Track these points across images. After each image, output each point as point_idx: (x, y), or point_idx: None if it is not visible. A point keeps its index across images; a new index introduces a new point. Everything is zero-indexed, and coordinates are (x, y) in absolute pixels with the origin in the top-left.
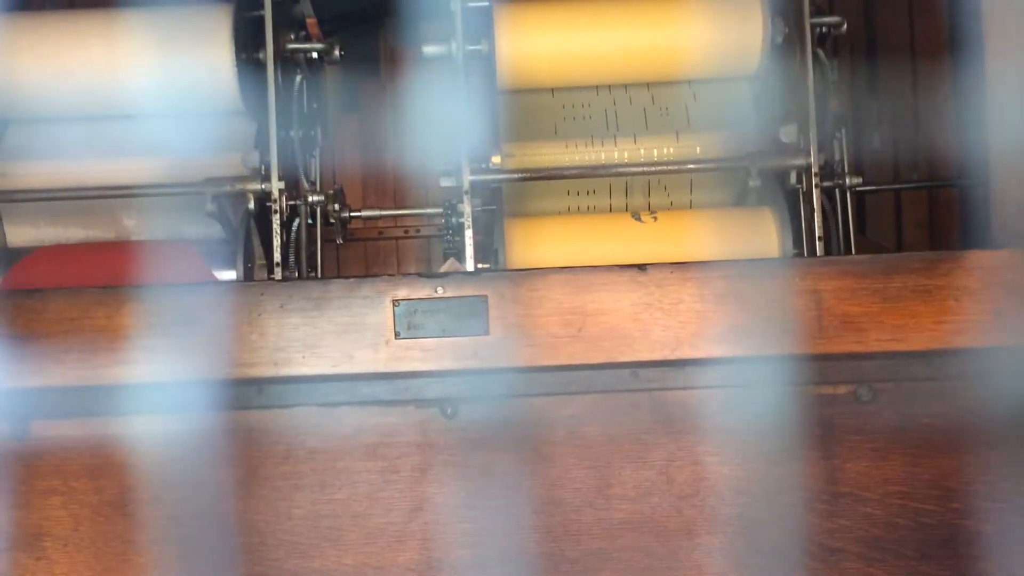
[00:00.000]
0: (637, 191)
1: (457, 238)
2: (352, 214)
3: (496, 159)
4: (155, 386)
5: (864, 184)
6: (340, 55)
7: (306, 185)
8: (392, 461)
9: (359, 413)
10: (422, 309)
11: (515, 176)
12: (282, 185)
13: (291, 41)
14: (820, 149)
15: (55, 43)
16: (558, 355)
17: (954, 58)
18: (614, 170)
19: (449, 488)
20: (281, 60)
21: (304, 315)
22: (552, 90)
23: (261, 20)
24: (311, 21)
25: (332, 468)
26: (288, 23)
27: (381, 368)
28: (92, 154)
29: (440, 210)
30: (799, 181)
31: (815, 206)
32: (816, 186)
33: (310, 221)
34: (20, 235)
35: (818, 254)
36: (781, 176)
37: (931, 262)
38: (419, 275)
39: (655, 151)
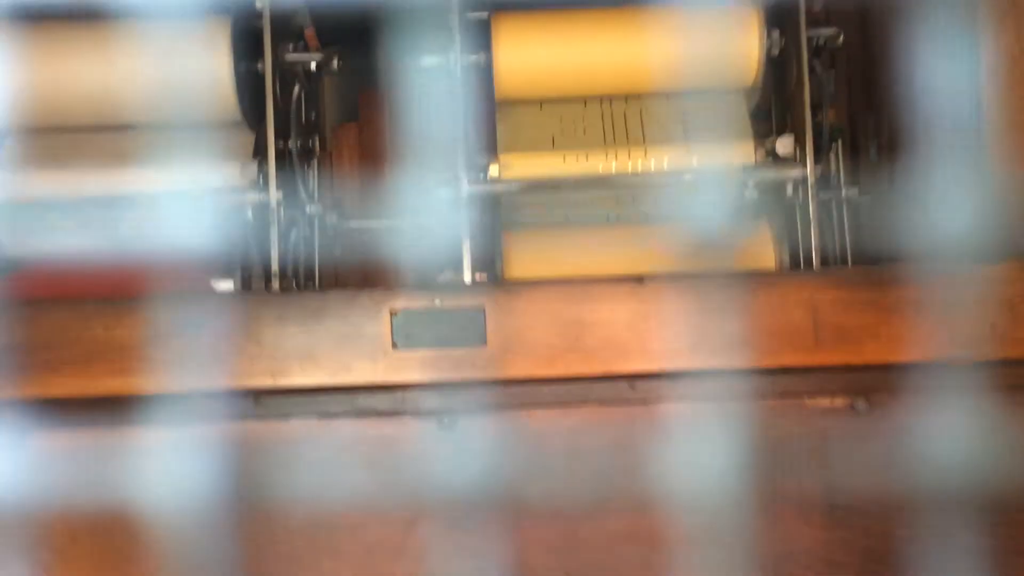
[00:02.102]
0: (632, 202)
1: (454, 249)
2: (350, 224)
3: (494, 170)
4: (153, 397)
5: (861, 196)
6: (339, 66)
7: (304, 196)
8: (389, 472)
9: (357, 424)
10: (420, 320)
11: (513, 187)
12: (280, 196)
13: (289, 52)
14: (816, 161)
15: (53, 53)
16: (555, 366)
17: (951, 69)
18: (611, 181)
19: (447, 500)
20: (279, 71)
21: (302, 326)
22: (550, 101)
23: (259, 31)
24: (309, 32)
25: (329, 479)
26: (286, 34)
27: (379, 379)
28: (90, 164)
29: (438, 221)
30: (795, 193)
31: (811, 218)
32: (812, 198)
33: (308, 232)
34: (19, 244)
35: (814, 266)
36: (777, 188)
37: (928, 274)
38: (417, 286)
39: (652, 162)
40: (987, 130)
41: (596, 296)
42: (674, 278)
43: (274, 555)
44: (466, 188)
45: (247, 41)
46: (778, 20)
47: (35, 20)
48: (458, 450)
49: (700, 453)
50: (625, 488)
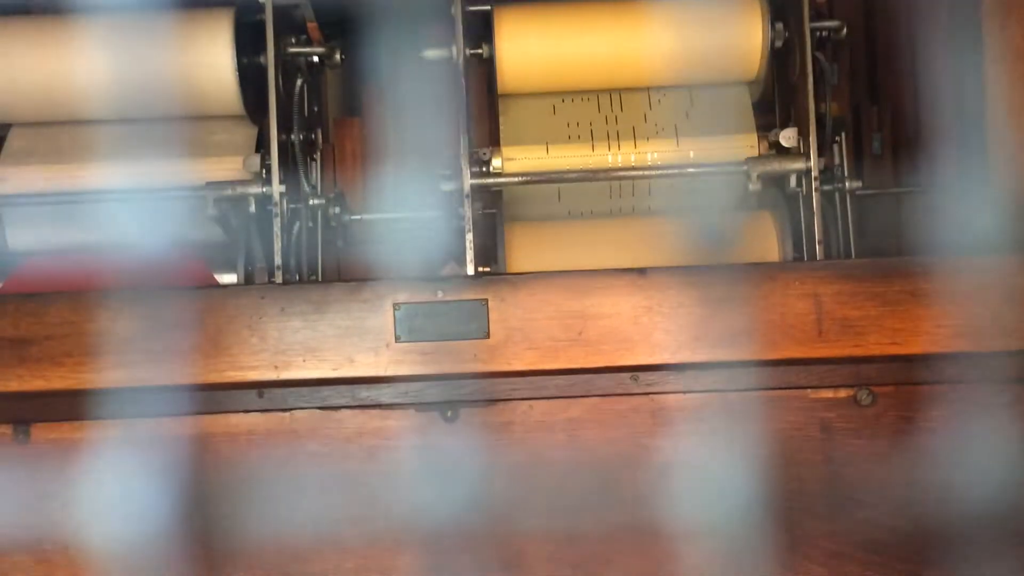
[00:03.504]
0: (635, 194)
1: (457, 242)
2: (352, 217)
3: (497, 163)
4: (156, 389)
5: (864, 188)
6: (341, 59)
7: (307, 189)
8: (392, 464)
9: (360, 416)
10: (422, 313)
11: (515, 180)
12: (283, 189)
13: (292, 45)
14: (820, 153)
15: (56, 46)
16: (558, 359)
17: (954, 61)
18: (614, 174)
19: (449, 492)
20: (282, 64)
21: (305, 318)
22: (553, 94)
23: (262, 24)
24: (312, 25)
25: (333, 471)
26: (289, 27)
27: (382, 371)
28: (92, 158)
29: (440, 214)
30: (799, 185)
31: (815, 210)
32: (816, 190)
33: (311, 224)
34: (21, 239)
35: (818, 258)
36: (781, 180)
37: (930, 266)
38: (419, 279)
39: (656, 155)
40: (990, 122)
41: (599, 288)
42: (677, 270)
43: (277, 545)
44: (468, 181)
45: (250, 34)
46: (781, 12)
47: (37, 13)
48: (460, 442)
49: (703, 445)
50: (628, 480)
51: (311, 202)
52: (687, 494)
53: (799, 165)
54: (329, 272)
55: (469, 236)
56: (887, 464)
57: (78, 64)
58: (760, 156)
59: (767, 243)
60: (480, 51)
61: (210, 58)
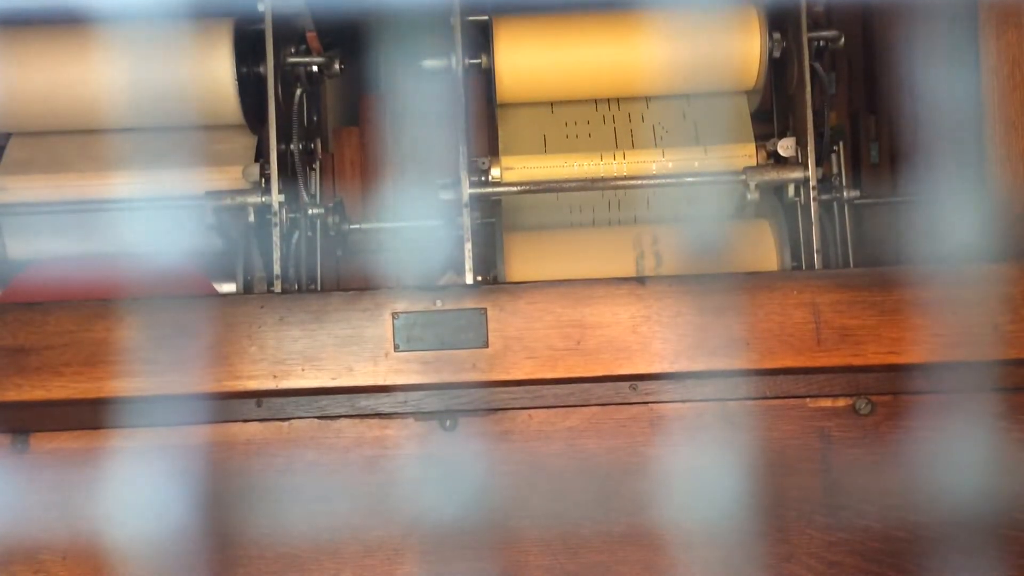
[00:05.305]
0: (634, 204)
1: (456, 251)
2: (352, 226)
3: (495, 172)
4: (154, 399)
5: (862, 197)
6: (340, 69)
7: (306, 198)
8: (391, 474)
9: (358, 426)
10: (421, 322)
11: (514, 189)
12: (282, 198)
13: (291, 55)
14: (818, 163)
15: (55, 55)
16: (557, 368)
17: (951, 71)
18: (612, 183)
19: (448, 501)
20: (281, 74)
21: (303, 328)
22: (552, 103)
23: (262, 34)
24: (311, 35)
25: (331, 481)
26: (288, 37)
27: (380, 381)
28: (92, 167)
29: (439, 223)
30: (797, 194)
31: (813, 219)
32: (814, 199)
33: (310, 234)
34: (21, 248)
35: (816, 267)
36: (779, 189)
37: (928, 275)
38: (418, 288)
39: (654, 164)
40: (987, 131)
41: (597, 297)
42: (675, 279)
43: (275, 555)
44: (467, 190)
45: (249, 44)
46: (779, 22)
47: (39, 24)
48: (460, 451)
49: (702, 454)
50: (627, 489)
51: (310, 211)
52: (686, 503)
53: (797, 174)
54: (328, 281)
55: (468, 245)
56: (886, 473)
57: (78, 74)
58: (758, 165)
59: (765, 252)
60: (479, 61)
61: (210, 68)
